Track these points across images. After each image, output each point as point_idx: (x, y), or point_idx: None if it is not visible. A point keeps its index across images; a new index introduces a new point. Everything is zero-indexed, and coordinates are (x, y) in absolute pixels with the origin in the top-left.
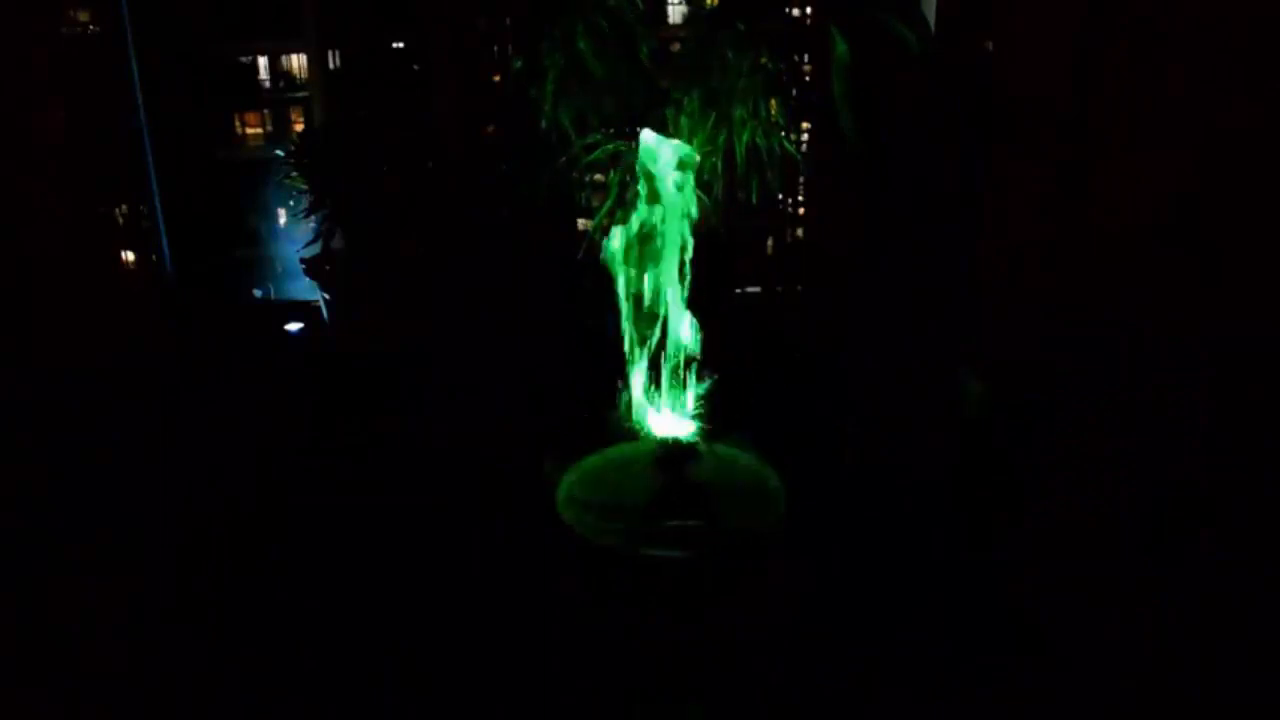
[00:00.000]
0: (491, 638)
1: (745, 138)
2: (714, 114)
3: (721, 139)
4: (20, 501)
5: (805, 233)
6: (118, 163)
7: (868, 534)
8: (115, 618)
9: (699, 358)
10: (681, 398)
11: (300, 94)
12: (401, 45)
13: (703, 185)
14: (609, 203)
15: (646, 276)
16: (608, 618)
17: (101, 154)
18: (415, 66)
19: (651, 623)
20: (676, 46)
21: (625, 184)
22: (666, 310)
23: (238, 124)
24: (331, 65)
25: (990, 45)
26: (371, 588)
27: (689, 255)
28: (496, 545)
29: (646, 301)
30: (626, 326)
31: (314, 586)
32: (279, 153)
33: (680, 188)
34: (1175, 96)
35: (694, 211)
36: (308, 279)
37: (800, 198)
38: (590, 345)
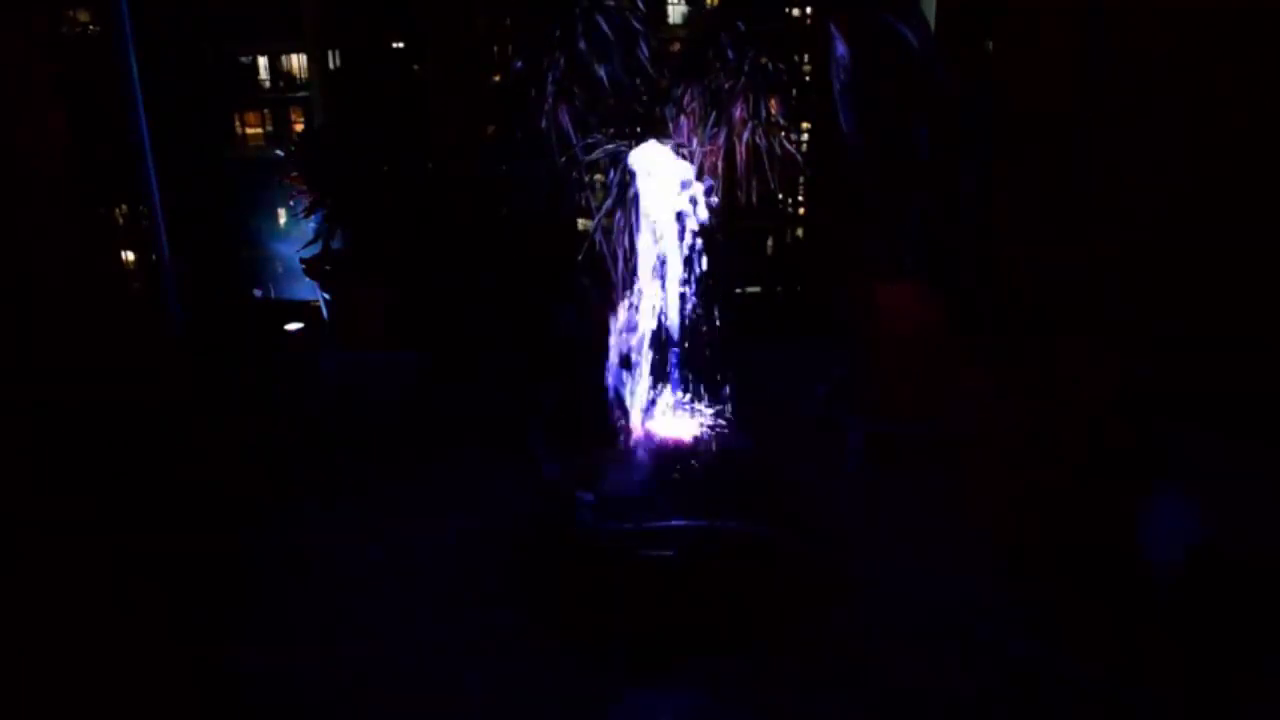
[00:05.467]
0: (488, 637)
1: (745, 138)
2: (714, 114)
3: (721, 139)
4: (19, 502)
5: (805, 233)
6: (118, 163)
7: (871, 532)
8: (114, 618)
9: (700, 357)
10: (682, 397)
11: (300, 94)
12: (401, 45)
13: None
14: (609, 203)
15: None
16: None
17: (101, 154)
18: (415, 66)
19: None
20: (676, 46)
21: (625, 184)
22: (667, 310)
23: (238, 124)
24: (331, 65)
25: (990, 45)
26: (369, 590)
27: (688, 255)
28: (494, 546)
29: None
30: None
31: (312, 592)
32: (279, 153)
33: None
34: (1177, 98)
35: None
36: (308, 279)
37: (800, 198)
38: (590, 345)
